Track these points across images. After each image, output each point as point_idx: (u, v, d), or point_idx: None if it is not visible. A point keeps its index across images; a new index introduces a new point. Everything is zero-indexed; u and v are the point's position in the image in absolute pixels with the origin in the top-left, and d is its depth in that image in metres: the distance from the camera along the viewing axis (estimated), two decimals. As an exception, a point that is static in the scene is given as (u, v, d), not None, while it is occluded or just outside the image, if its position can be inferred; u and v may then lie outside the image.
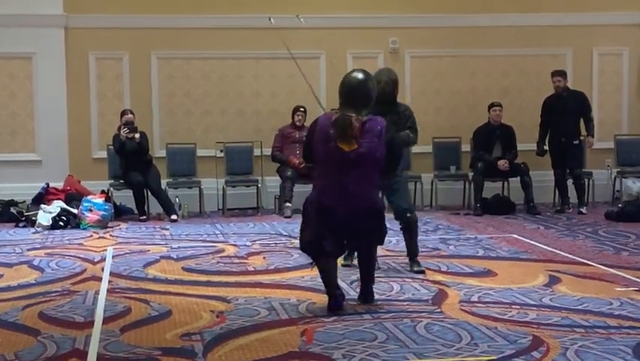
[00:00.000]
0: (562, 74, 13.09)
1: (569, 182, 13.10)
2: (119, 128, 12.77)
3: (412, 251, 8.48)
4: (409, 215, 8.34)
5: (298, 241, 7.10)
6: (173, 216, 12.56)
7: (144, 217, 12.64)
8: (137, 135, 12.70)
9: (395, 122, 8.07)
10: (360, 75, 6.77)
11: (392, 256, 9.25)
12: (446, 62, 14.28)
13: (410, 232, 8.42)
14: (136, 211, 12.89)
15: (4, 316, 6.85)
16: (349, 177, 6.55)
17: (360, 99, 6.66)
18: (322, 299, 7.25)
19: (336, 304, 6.76)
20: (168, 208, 12.70)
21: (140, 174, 12.72)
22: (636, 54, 14.59)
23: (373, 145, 6.57)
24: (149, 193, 12.83)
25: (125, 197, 13.09)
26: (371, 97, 6.73)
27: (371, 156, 6.57)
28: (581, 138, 13.11)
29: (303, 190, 13.18)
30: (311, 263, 7.02)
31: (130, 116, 12.81)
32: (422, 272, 8.29)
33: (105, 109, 13.67)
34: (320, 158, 6.66)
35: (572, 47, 14.43)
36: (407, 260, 8.54)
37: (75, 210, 12.10)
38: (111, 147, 13.18)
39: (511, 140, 13.26)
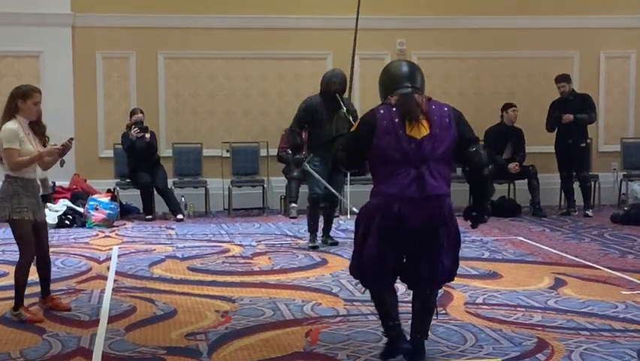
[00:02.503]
0: (566, 78, 13.06)
1: (575, 185, 13.09)
2: (128, 127, 12.79)
3: (330, 228, 10.28)
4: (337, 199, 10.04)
5: (350, 265, 5.65)
6: (179, 216, 12.57)
7: (150, 217, 12.65)
8: (148, 135, 12.71)
9: (344, 119, 9.12)
10: (404, 65, 5.66)
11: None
12: (453, 63, 14.28)
13: (334, 211, 10.37)
14: (142, 210, 12.90)
15: (9, 314, 6.86)
16: (425, 170, 5.28)
17: (406, 79, 5.52)
18: (327, 300, 7.26)
19: (395, 351, 5.49)
20: (175, 208, 12.72)
21: (147, 174, 12.73)
22: (643, 57, 14.61)
23: (444, 128, 5.36)
24: (156, 193, 12.84)
25: (131, 196, 13.11)
26: (423, 80, 5.60)
27: (445, 142, 5.34)
28: (588, 141, 13.10)
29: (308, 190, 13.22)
30: (362, 286, 5.68)
31: (140, 115, 12.82)
32: (336, 244, 10.02)
33: (112, 108, 13.68)
34: (387, 154, 5.31)
35: (580, 50, 14.42)
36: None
37: (81, 209, 12.12)
38: (117, 146, 13.21)
39: (520, 142, 13.26)
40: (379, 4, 14.02)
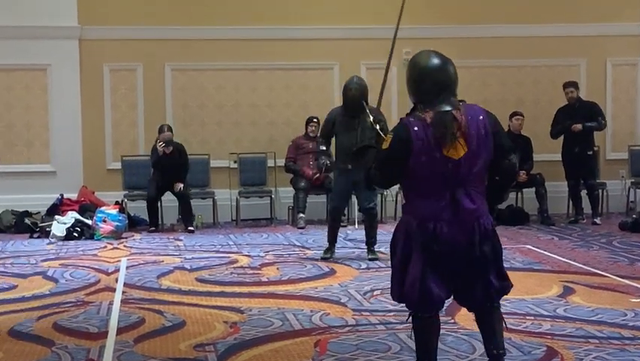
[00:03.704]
0: (574, 84, 13.09)
1: (583, 193, 13.07)
2: (157, 141, 12.79)
3: (371, 241, 9.88)
4: (372, 210, 9.82)
5: (392, 290, 5.15)
6: (190, 228, 12.56)
7: (153, 228, 12.63)
8: (170, 149, 12.65)
9: (364, 128, 9.25)
10: (434, 57, 5.21)
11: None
12: (460, 72, 13.91)
13: (371, 224, 9.88)
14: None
15: (18, 326, 6.87)
16: (461, 193, 4.91)
17: (445, 87, 5.05)
18: (336, 310, 7.26)
19: None
20: (187, 218, 12.70)
21: (155, 189, 12.70)
22: (650, 64, 14.60)
23: (481, 142, 4.93)
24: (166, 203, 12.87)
25: (139, 208, 13.13)
26: (457, 80, 5.16)
27: (482, 159, 4.94)
28: (595, 148, 13.09)
29: (316, 201, 13.22)
30: (409, 315, 5.15)
31: (168, 134, 12.72)
32: (377, 259, 9.62)
33: (119, 120, 13.71)
34: (421, 174, 4.89)
35: (586, 58, 14.41)
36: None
37: (89, 221, 12.13)
38: (125, 158, 13.33)
39: (528, 150, 13.25)
40: (385, 13, 14.00)
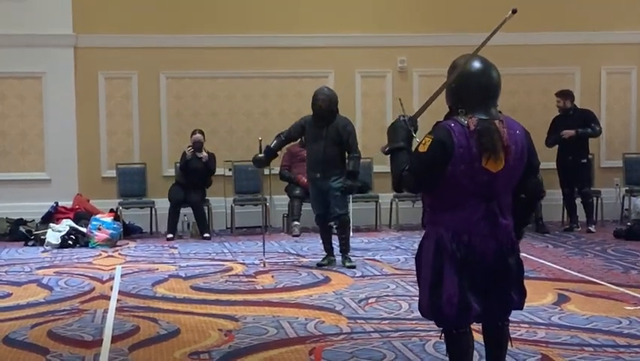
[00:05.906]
0: (563, 94, 13.06)
1: (578, 200, 13.09)
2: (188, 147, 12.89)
3: (344, 248, 9.94)
4: (343, 217, 9.86)
5: (422, 306, 4.87)
6: (206, 235, 12.59)
7: (171, 236, 12.55)
8: (205, 155, 12.76)
9: (333, 138, 9.61)
10: (478, 64, 5.11)
11: (400, 274, 9.25)
12: (454, 80, 14.25)
13: (342, 230, 9.92)
14: (145, 230, 12.91)
15: (12, 334, 6.86)
16: (496, 208, 4.71)
17: (490, 95, 4.90)
18: (330, 318, 7.25)
19: None
20: (203, 226, 12.71)
21: (182, 192, 12.73)
22: (644, 73, 14.63)
23: (518, 158, 4.75)
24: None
25: (134, 215, 13.13)
26: (500, 89, 5.00)
27: (516, 174, 4.77)
28: (589, 156, 13.10)
29: (311, 209, 13.19)
30: (441, 333, 4.96)
31: (198, 135, 12.84)
32: (353, 267, 9.70)
33: (114, 128, 13.70)
34: (458, 183, 4.66)
35: (580, 66, 14.43)
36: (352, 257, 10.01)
37: (84, 229, 12.13)
38: (120, 166, 13.35)
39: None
40: (380, 22, 14.07)
